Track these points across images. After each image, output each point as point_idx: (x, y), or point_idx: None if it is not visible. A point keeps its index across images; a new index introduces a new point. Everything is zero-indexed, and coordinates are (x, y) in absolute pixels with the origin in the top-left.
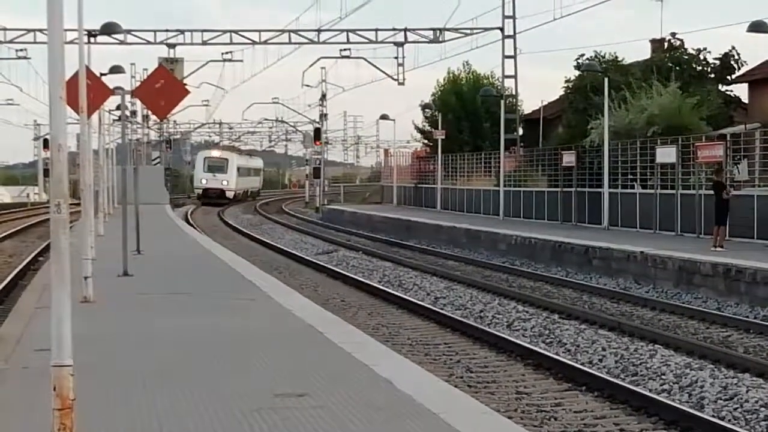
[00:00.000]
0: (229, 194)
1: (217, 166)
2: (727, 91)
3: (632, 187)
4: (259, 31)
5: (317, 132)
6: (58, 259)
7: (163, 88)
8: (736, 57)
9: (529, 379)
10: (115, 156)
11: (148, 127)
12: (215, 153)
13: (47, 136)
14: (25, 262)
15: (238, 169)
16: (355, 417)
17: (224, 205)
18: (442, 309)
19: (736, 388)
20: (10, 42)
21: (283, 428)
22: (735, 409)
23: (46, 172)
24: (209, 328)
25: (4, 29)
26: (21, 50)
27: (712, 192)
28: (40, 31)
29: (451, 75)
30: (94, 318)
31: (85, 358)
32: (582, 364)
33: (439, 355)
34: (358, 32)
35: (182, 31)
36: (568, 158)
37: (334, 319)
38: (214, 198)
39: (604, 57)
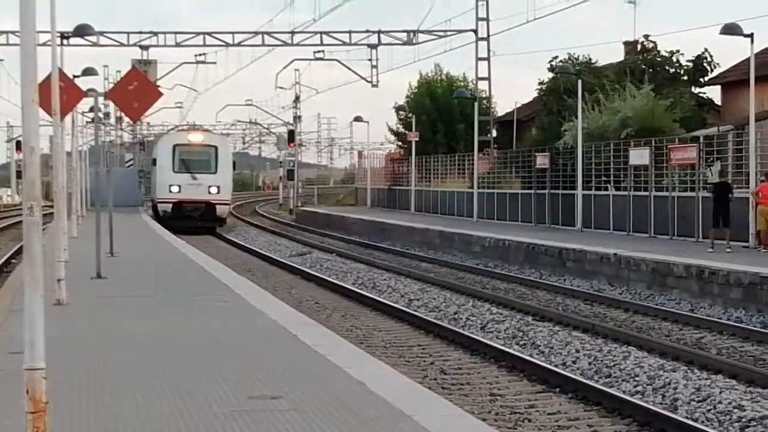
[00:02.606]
0: (222, 210)
1: (198, 161)
2: (700, 93)
3: (606, 189)
4: (233, 33)
5: (291, 134)
6: (31, 263)
7: (136, 90)
8: (709, 59)
9: (502, 380)
10: (89, 158)
11: (122, 129)
12: (195, 137)
13: (20, 138)
14: None
15: (234, 165)
16: (328, 420)
17: (212, 231)
18: (416, 311)
19: (709, 389)
20: None
21: (257, 431)
22: (708, 410)
23: (19, 174)
24: (183, 330)
25: None
26: None
27: (711, 193)
28: (13, 32)
29: (423, 79)
30: (68, 321)
31: (58, 361)
32: (556, 365)
33: (413, 357)
34: (331, 34)
35: (155, 33)
36: (542, 160)
37: (308, 321)
38: (193, 218)
39: (577, 59)
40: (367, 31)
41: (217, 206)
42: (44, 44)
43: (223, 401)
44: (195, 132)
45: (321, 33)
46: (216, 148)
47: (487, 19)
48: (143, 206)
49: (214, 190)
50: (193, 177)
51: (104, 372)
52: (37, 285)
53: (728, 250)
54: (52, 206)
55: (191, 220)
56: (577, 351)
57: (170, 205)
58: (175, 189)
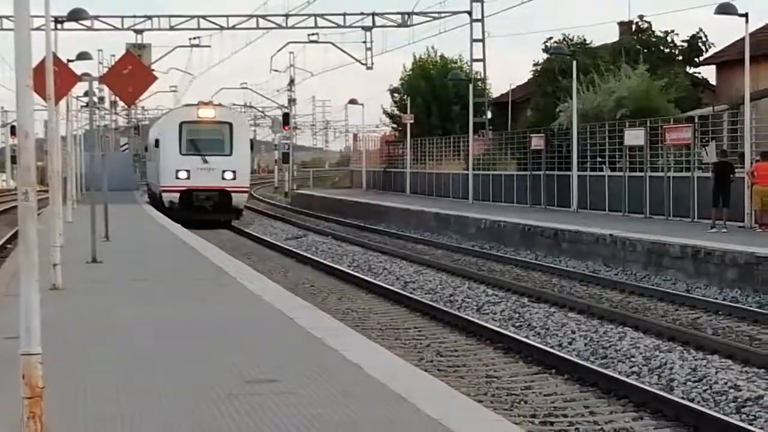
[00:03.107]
0: (239, 200)
1: (210, 141)
2: (694, 73)
3: (601, 170)
4: (227, 16)
5: (286, 117)
6: (27, 248)
7: (131, 74)
8: (704, 39)
9: (498, 362)
10: (83, 142)
11: (116, 113)
12: (206, 113)
13: (14, 123)
14: None
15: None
16: (324, 402)
17: (228, 224)
18: (411, 293)
19: (705, 369)
20: None
21: (254, 414)
22: (704, 390)
23: (14, 159)
24: (179, 314)
25: None
26: None
27: (710, 174)
28: (7, 17)
29: (418, 61)
30: (64, 305)
31: (54, 345)
32: (551, 347)
33: (409, 340)
34: (326, 17)
35: (149, 17)
36: (537, 141)
37: (304, 304)
38: (205, 209)
39: (572, 40)
40: (362, 14)
41: (233, 194)
42: (38, 28)
43: (220, 385)
44: (205, 107)
45: (315, 15)
46: (230, 125)
47: (481, 0)
48: (138, 190)
49: (229, 175)
50: (204, 160)
51: (100, 356)
52: (33, 270)
53: (724, 230)
54: (47, 191)
55: (203, 211)
56: (573, 332)
57: (177, 195)
58: (182, 175)
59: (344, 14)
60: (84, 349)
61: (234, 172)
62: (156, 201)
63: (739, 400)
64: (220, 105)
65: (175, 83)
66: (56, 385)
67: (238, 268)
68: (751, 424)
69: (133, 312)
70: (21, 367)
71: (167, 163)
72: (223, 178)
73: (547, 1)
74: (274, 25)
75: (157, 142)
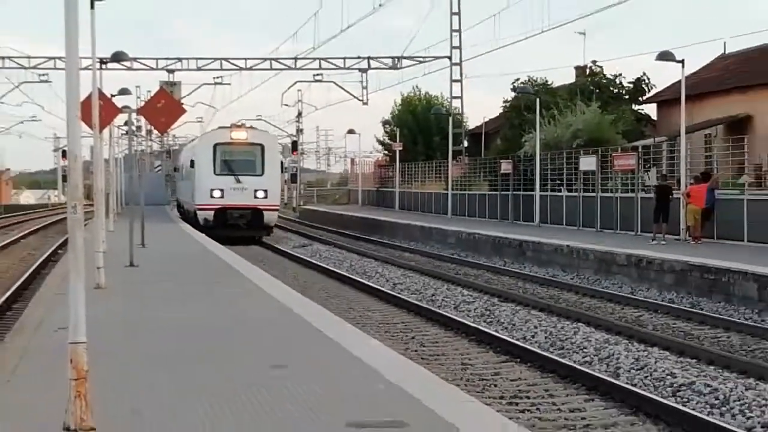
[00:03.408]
0: (270, 217)
1: (242, 162)
2: (639, 110)
3: (559, 190)
4: (245, 59)
5: (294, 144)
6: (75, 253)
7: (164, 107)
8: (647, 81)
9: (472, 352)
10: (123, 164)
11: (151, 140)
12: (238, 135)
13: (65, 148)
14: (45, 255)
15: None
16: (327, 385)
17: (258, 241)
18: (399, 293)
19: (646, 359)
20: (34, 68)
21: (269, 397)
22: (645, 377)
23: (64, 178)
24: (204, 311)
25: (29, 57)
26: (43, 75)
27: (653, 194)
28: (59, 58)
29: (406, 98)
30: (106, 302)
31: (98, 335)
32: (517, 339)
33: (397, 332)
34: (328, 60)
35: (180, 59)
36: (506, 166)
37: (309, 302)
38: (238, 226)
39: (536, 81)
40: (359, 57)
41: (265, 212)
42: (86, 68)
43: (236, 370)
44: (238, 129)
45: (320, 59)
46: (262, 146)
47: (459, 48)
48: (169, 204)
49: (260, 194)
50: (238, 180)
51: (137, 347)
52: (80, 272)
53: (663, 242)
54: (92, 205)
55: (236, 228)
56: (535, 327)
57: (212, 213)
58: (217, 194)
59: (344, 58)
60: (124, 338)
61: (265, 191)
62: (188, 217)
63: (675, 385)
64: (252, 127)
65: (201, 115)
66: (99, 369)
67: (255, 272)
68: (684, 406)
69: (165, 309)
70: (69, 354)
71: (202, 182)
72: (255, 197)
73: (515, 48)
74: (284, 67)
75: (192, 162)
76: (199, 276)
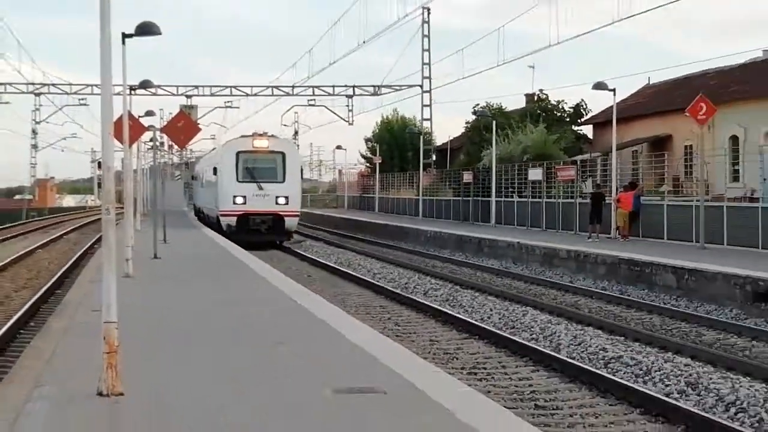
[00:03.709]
0: (291, 223)
1: (264, 170)
2: (578, 130)
3: (512, 196)
4: (251, 86)
5: None
6: (107, 247)
7: (183, 126)
8: (584, 106)
9: (439, 330)
10: (149, 173)
11: (172, 154)
12: (261, 143)
13: (100, 160)
14: (83, 249)
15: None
16: (317, 357)
17: (279, 245)
18: (378, 282)
19: (582, 337)
20: (74, 93)
21: (271, 366)
22: (582, 352)
23: (99, 185)
24: (217, 294)
25: (70, 84)
26: (82, 99)
27: (588, 200)
28: (95, 85)
29: (385, 120)
30: (134, 288)
31: (127, 316)
32: (476, 320)
33: (376, 314)
34: (321, 88)
35: (197, 86)
36: (467, 176)
37: (302, 289)
38: (260, 232)
39: (493, 106)
40: (345, 86)
41: (286, 218)
42: (118, 94)
43: (242, 346)
44: (260, 137)
45: (313, 87)
46: (283, 154)
47: (429, 78)
48: (187, 208)
49: (282, 200)
50: (260, 187)
51: (162, 324)
52: (111, 263)
53: (597, 240)
54: (122, 208)
55: (258, 233)
56: (491, 310)
57: (235, 219)
58: (239, 200)
59: (333, 86)
60: (149, 318)
61: (286, 197)
62: (209, 222)
63: (606, 358)
64: (273, 136)
65: (214, 133)
66: (128, 344)
67: (257, 263)
68: (614, 375)
69: (185, 293)
70: (102, 331)
71: (225, 189)
72: (277, 203)
73: (476, 78)
74: (284, 93)
75: (215, 170)
76: (213, 266)
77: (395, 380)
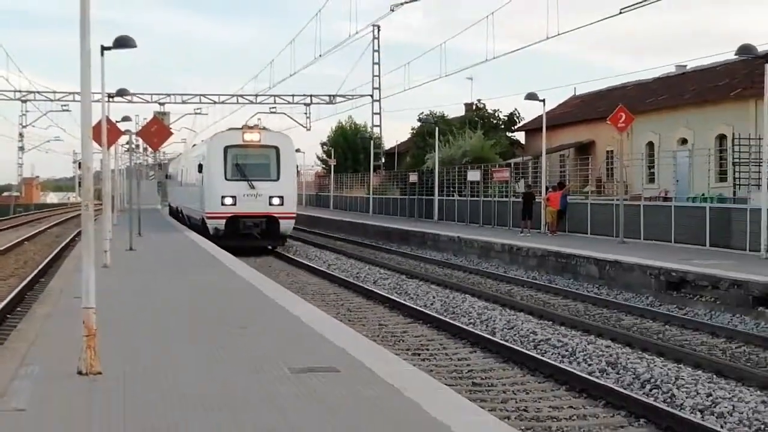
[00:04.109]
0: (286, 226)
1: (256, 166)
2: (511, 136)
3: (453, 195)
4: (218, 95)
5: None
6: (87, 240)
7: (156, 130)
8: (518, 115)
9: (386, 315)
10: (125, 173)
11: (146, 155)
12: (251, 136)
13: (80, 161)
14: (65, 242)
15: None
16: (274, 339)
17: (272, 251)
18: (333, 272)
19: (515, 322)
20: (58, 100)
21: (233, 344)
22: (514, 335)
23: (80, 184)
24: (189, 284)
25: (54, 92)
26: (65, 105)
27: (520, 199)
28: (77, 93)
29: (339, 126)
30: (111, 277)
31: (104, 302)
32: (420, 306)
33: (331, 301)
34: (281, 96)
35: (169, 95)
36: (413, 177)
37: (264, 278)
38: (251, 236)
39: (436, 114)
40: (304, 95)
41: (281, 221)
42: (97, 101)
43: (212, 327)
44: (251, 130)
45: (274, 96)
46: (277, 149)
47: (379, 88)
48: (160, 206)
49: (276, 200)
50: (251, 185)
51: (137, 309)
52: (90, 254)
53: (528, 234)
54: (101, 204)
55: (249, 238)
56: (434, 297)
57: (223, 221)
58: (228, 201)
59: (293, 95)
60: (124, 303)
61: (281, 197)
62: (191, 225)
63: (536, 340)
64: (265, 128)
65: (185, 137)
66: (106, 327)
67: (222, 254)
68: (542, 355)
69: (157, 281)
70: (82, 316)
71: (213, 188)
72: (271, 204)
73: (420, 89)
74: (248, 102)
75: (200, 167)
76: (186, 259)
77: (347, 360)
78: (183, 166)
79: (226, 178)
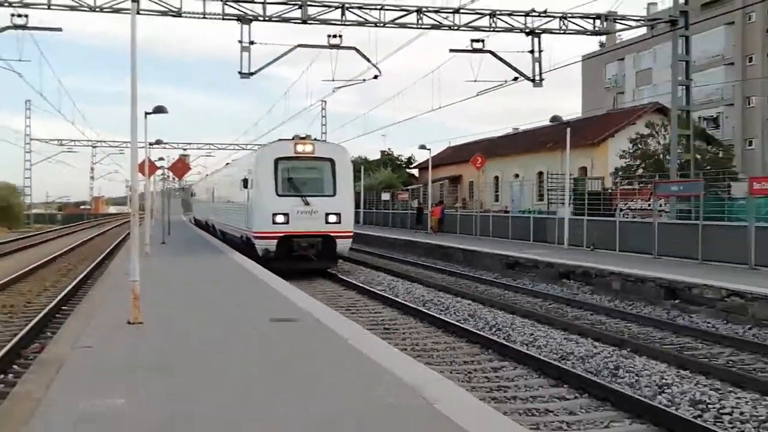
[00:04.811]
0: (344, 246)
1: (310, 180)
2: (410, 171)
3: (372, 209)
4: (220, 143)
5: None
6: (133, 237)
7: (180, 166)
8: (413, 158)
9: (338, 290)
10: (160, 194)
11: (174, 182)
12: (304, 148)
13: (130, 185)
14: (120, 238)
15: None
16: (262, 304)
17: (324, 273)
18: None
19: (412, 289)
20: (117, 146)
21: (238, 308)
22: (411, 297)
23: (130, 200)
24: (211, 268)
25: (114, 141)
26: (121, 150)
27: (414, 212)
28: (128, 142)
29: None
30: (150, 261)
31: (145, 278)
32: (350, 279)
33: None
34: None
35: (189, 143)
36: None
37: (255, 265)
38: (306, 257)
39: (362, 157)
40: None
41: (338, 240)
42: (141, 147)
43: (220, 295)
44: (302, 142)
45: (259, 145)
46: (332, 161)
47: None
48: (184, 217)
49: (333, 218)
50: (305, 202)
51: (171, 281)
52: (136, 246)
53: (420, 233)
54: (143, 214)
55: (304, 260)
56: (359, 274)
57: (275, 242)
58: (280, 219)
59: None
60: (160, 279)
61: (338, 214)
62: (234, 245)
63: (425, 300)
64: (318, 139)
65: (199, 171)
66: (148, 293)
67: (228, 250)
68: (429, 310)
69: (185, 263)
70: (130, 287)
71: (262, 205)
72: (327, 222)
73: (352, 142)
74: (240, 148)
75: (245, 182)
76: (205, 251)
77: (307, 316)
78: (221, 179)
79: (277, 194)
